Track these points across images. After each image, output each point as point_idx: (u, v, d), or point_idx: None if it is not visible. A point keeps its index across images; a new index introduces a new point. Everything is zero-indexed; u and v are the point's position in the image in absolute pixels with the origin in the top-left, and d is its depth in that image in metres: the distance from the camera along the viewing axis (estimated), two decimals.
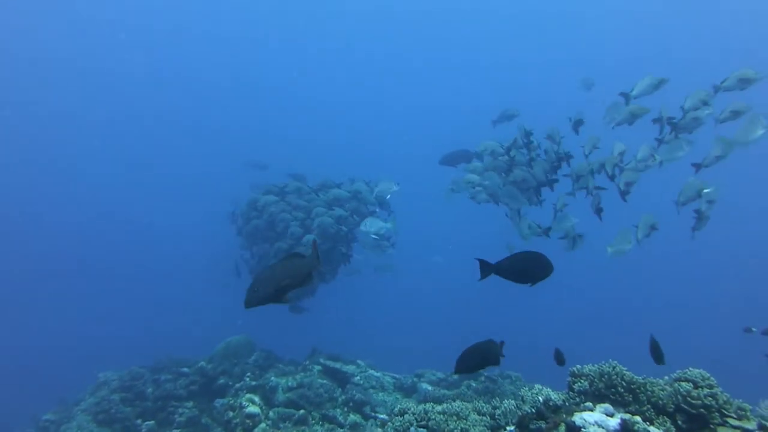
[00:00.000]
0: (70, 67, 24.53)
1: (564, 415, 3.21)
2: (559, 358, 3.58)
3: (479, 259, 2.88)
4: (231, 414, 4.41)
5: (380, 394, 6.44)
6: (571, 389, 3.31)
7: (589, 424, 3.03)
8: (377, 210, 8.40)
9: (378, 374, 7.01)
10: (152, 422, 6.01)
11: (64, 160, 24.82)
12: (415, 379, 7.13)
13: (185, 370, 6.86)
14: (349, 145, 25.73)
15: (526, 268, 2.88)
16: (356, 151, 25.02)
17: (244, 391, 5.89)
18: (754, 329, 6.55)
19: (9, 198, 22.83)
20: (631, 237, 5.29)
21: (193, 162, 25.03)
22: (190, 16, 25.31)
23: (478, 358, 3.03)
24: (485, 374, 7.12)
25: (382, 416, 5.64)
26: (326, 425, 5.14)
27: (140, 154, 25.50)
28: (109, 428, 6.09)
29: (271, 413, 4.81)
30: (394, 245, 8.85)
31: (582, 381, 3.28)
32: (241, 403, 4.36)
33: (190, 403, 6.24)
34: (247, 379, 6.11)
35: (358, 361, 7.24)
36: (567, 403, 3.25)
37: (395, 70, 27.83)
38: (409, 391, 6.87)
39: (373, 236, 6.92)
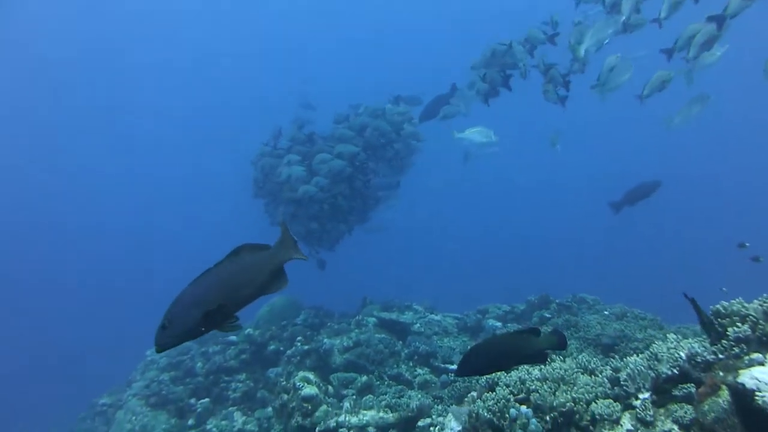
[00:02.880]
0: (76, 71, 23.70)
1: (722, 374, 2.41)
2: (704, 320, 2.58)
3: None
4: (286, 397, 3.85)
5: (445, 339, 5.82)
6: (723, 336, 2.48)
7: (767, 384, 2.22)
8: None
9: (438, 317, 6.37)
10: (207, 400, 5.61)
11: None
12: (479, 316, 6.47)
13: (233, 338, 6.37)
14: None
15: None
16: None
17: (297, 358, 5.35)
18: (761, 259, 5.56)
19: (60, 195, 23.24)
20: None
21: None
22: None
23: (503, 357, 2.04)
24: (557, 301, 6.38)
25: (454, 367, 5.01)
26: (394, 387, 4.54)
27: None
28: (164, 410, 5.72)
29: (330, 388, 4.23)
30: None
31: (738, 324, 2.44)
32: (295, 384, 3.78)
33: (243, 375, 5.79)
34: (299, 343, 5.56)
35: (415, 306, 6.60)
36: (721, 357, 2.43)
37: None
38: (475, 331, 6.23)
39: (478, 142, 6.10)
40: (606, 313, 5.77)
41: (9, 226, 21.97)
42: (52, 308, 19.04)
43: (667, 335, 2.59)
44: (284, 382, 4.12)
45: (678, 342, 2.53)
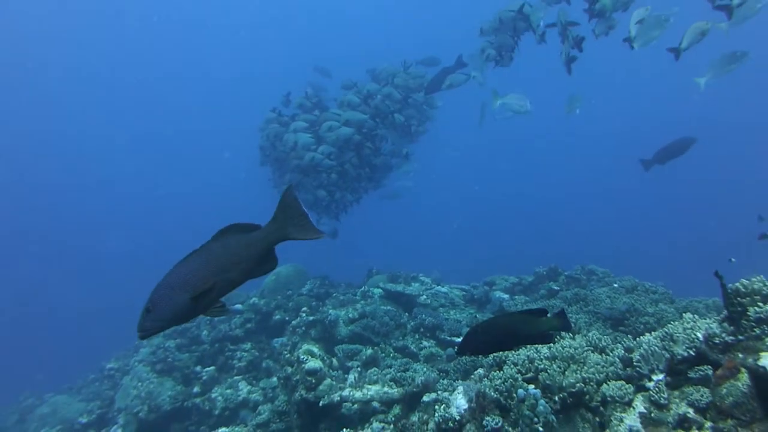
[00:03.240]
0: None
1: (742, 356, 2.29)
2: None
3: None
4: (290, 369, 3.81)
5: (451, 312, 5.74)
6: (743, 317, 2.36)
7: None
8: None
9: (445, 289, 6.30)
10: (212, 368, 5.63)
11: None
12: (486, 288, 6.37)
13: (238, 307, 6.35)
14: None
15: None
16: None
17: (302, 329, 5.31)
18: None
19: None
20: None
21: None
22: None
23: (505, 337, 1.99)
24: (566, 273, 6.27)
25: (460, 340, 4.94)
26: (399, 360, 4.50)
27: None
28: (170, 377, 5.75)
29: (334, 360, 4.18)
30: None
31: (760, 304, 2.31)
32: (299, 357, 3.73)
33: (248, 345, 5.78)
34: (304, 314, 5.51)
35: (421, 277, 6.52)
36: (741, 338, 2.31)
37: None
38: (482, 303, 6.16)
39: (513, 110, 5.90)
40: (616, 285, 5.64)
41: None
42: (65, 270, 19.33)
43: (683, 314, 2.47)
44: (288, 355, 4.07)
45: (695, 322, 2.41)
